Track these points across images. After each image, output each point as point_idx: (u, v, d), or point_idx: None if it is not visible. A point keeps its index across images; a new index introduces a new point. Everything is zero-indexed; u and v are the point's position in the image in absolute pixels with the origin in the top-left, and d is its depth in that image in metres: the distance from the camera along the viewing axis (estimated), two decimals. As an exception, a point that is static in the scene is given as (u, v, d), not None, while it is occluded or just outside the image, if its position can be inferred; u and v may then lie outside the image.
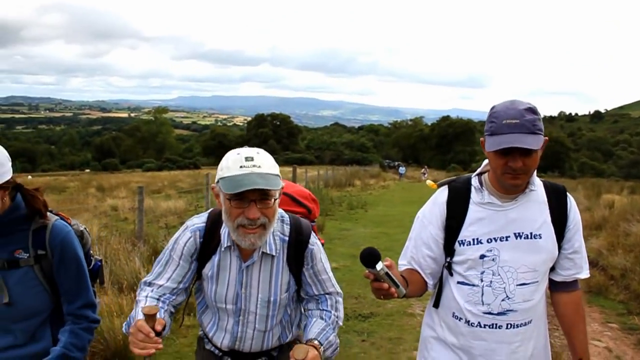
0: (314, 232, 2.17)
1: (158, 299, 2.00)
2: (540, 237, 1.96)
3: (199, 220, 2.08)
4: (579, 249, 2.05)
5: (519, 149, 1.80)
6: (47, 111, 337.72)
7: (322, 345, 1.93)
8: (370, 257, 1.73)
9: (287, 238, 2.04)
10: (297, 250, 2.05)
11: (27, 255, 1.99)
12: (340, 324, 2.12)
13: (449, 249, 2.03)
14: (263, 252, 2.00)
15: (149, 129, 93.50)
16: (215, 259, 2.02)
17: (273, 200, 1.86)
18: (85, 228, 2.30)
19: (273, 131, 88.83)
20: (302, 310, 2.19)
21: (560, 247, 2.02)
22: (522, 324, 1.99)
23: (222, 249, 2.01)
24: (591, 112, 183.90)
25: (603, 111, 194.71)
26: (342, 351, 4.93)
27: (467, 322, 2.01)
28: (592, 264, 9.55)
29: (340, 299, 2.14)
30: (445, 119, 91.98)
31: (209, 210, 2.12)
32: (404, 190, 29.12)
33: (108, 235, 7.61)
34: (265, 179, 1.80)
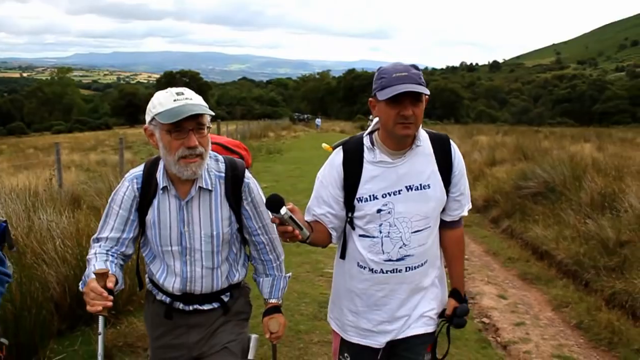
0: None
1: (107, 253, 2.08)
2: (429, 187, 2.14)
3: (136, 170, 2.16)
4: (464, 190, 2.24)
5: (410, 99, 1.98)
6: None
7: (279, 299, 2.27)
8: (274, 203, 1.91)
9: (223, 174, 2.14)
10: (234, 185, 2.15)
11: None
12: (281, 259, 2.34)
13: (349, 206, 2.17)
14: (200, 187, 2.09)
15: (53, 90, 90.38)
16: (155, 202, 2.10)
17: (206, 128, 2.01)
18: None
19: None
20: (247, 253, 2.34)
21: (448, 192, 2.19)
22: (419, 265, 2.18)
23: (160, 192, 2.09)
24: (490, 62, 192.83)
25: (501, 61, 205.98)
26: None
27: (371, 269, 2.17)
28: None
29: (276, 236, 2.25)
30: (351, 72, 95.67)
31: (145, 161, 2.19)
32: (313, 139, 32.76)
33: (96, 178, 10.26)
34: (200, 108, 1.96)
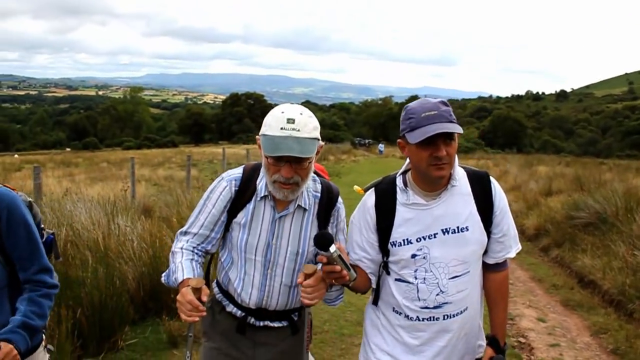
0: None
1: (192, 251, 2.12)
2: (467, 230, 2.02)
3: (235, 172, 2.19)
4: (507, 231, 2.10)
5: (442, 138, 1.88)
6: (10, 89, 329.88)
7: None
8: (323, 240, 1.84)
9: (319, 195, 2.17)
10: (327, 207, 2.17)
11: None
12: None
13: (384, 250, 2.08)
14: (299, 205, 2.12)
15: (125, 108, 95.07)
16: (250, 207, 2.12)
17: (308, 162, 1.99)
18: (32, 201, 2.20)
19: (248, 110, 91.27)
20: None
21: (489, 233, 2.07)
22: (458, 313, 2.06)
23: (258, 199, 2.11)
24: (557, 92, 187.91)
25: (569, 90, 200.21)
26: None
27: (407, 316, 2.07)
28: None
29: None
30: (414, 98, 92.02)
31: (242, 165, 2.22)
32: (372, 164, 33.28)
33: (164, 192, 11.02)
34: (302, 145, 1.91)
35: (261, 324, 2.19)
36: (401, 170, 2.12)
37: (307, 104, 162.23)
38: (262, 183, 2.11)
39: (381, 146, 57.52)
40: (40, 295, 2.00)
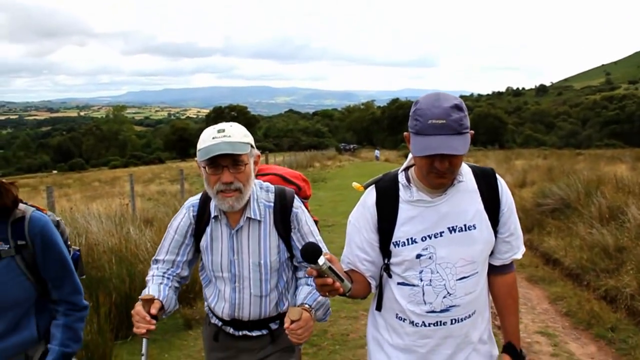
0: (306, 207, 2.34)
1: (162, 276, 2.22)
2: (475, 228, 1.91)
3: (194, 198, 2.29)
4: (514, 230, 2.01)
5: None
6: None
7: (311, 307, 2.03)
8: (310, 253, 1.70)
9: (272, 204, 2.20)
10: (282, 215, 2.19)
11: (8, 246, 1.99)
12: None
13: (385, 251, 1.96)
14: (248, 217, 2.15)
15: (109, 128, 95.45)
16: (209, 230, 2.21)
17: (244, 165, 2.05)
18: (60, 219, 2.29)
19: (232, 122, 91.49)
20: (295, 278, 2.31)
21: (496, 232, 1.97)
22: (466, 316, 1.95)
23: (213, 220, 2.19)
24: (537, 86, 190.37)
25: (548, 84, 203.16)
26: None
27: (412, 322, 1.96)
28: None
29: None
30: (395, 101, 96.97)
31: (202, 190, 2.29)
32: (357, 168, 34.17)
33: (161, 205, 11.69)
34: (232, 146, 1.99)
35: (239, 333, 2.27)
36: (403, 167, 2.02)
37: (291, 112, 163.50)
38: (212, 204, 2.18)
39: (377, 152, 56.04)
40: (75, 320, 2.13)
